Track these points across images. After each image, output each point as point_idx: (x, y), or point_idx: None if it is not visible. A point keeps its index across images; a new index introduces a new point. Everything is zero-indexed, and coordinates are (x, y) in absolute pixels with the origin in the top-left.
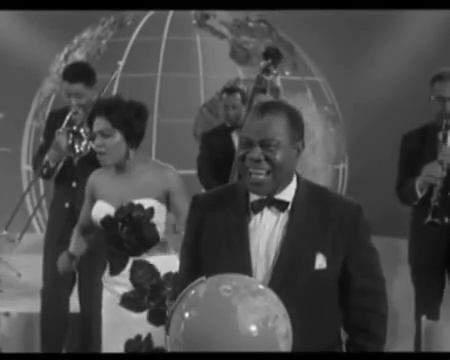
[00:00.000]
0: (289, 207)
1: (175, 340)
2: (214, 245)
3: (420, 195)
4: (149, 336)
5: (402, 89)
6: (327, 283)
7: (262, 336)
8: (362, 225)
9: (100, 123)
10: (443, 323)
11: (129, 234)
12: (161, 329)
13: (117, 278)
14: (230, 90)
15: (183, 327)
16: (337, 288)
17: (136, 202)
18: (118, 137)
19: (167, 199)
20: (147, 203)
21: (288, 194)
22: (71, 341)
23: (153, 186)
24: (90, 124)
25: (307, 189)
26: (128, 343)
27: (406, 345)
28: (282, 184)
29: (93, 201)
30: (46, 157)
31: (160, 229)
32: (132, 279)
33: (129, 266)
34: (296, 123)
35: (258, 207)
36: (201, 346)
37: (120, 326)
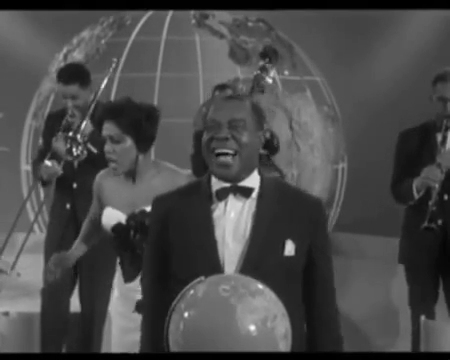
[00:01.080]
0: (255, 195)
1: (174, 340)
2: (181, 237)
3: (417, 196)
4: None
5: (401, 89)
6: (294, 271)
7: (261, 336)
8: (324, 217)
9: (109, 128)
10: (443, 323)
11: (142, 241)
12: None
13: (131, 285)
14: (222, 87)
15: (182, 327)
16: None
17: (149, 209)
18: (128, 143)
19: None
20: None
21: (252, 182)
22: (71, 341)
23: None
24: (99, 128)
25: (271, 180)
26: None
27: (405, 345)
28: (246, 170)
29: (100, 203)
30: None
31: None
32: None
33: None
34: (258, 112)
35: (222, 194)
36: (200, 346)
37: (131, 332)
